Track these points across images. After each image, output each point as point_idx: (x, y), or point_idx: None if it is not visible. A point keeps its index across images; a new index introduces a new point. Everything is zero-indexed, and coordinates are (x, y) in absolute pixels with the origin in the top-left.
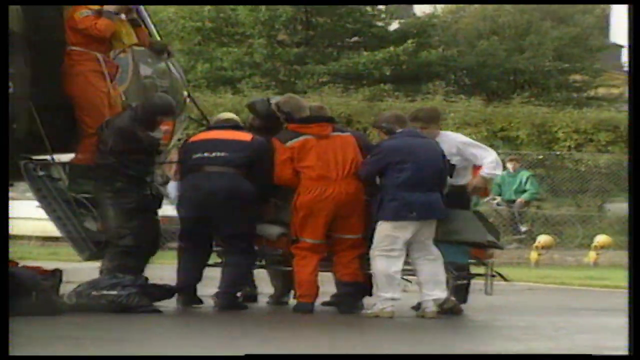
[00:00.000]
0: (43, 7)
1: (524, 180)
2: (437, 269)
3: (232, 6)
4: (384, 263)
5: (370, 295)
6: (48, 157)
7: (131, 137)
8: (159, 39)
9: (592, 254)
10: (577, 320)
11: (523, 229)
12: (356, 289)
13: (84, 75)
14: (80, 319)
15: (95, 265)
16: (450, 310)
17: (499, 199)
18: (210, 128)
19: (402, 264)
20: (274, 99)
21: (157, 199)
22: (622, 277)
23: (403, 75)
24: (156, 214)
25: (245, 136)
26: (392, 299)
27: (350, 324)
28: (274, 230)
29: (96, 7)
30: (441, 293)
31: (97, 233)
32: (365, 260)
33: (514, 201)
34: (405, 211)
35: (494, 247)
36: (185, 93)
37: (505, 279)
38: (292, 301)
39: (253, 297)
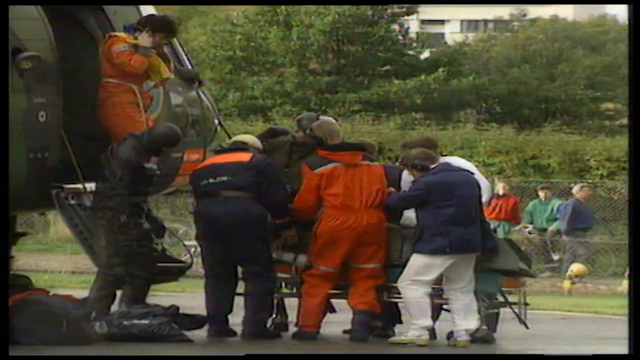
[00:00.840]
0: (75, 36)
1: (555, 208)
2: (470, 298)
3: (263, 35)
4: (417, 291)
5: (401, 322)
6: (80, 185)
7: (138, 169)
8: (190, 67)
9: (625, 283)
10: (611, 350)
11: (555, 257)
12: (371, 318)
13: (121, 106)
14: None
15: None
16: (482, 339)
17: (530, 227)
18: (217, 152)
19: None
20: (324, 118)
21: (160, 229)
22: None
23: (434, 103)
24: (156, 244)
25: (244, 157)
26: (426, 327)
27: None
28: (302, 259)
29: (132, 41)
30: (474, 323)
31: None
32: (384, 289)
33: (545, 229)
34: (447, 246)
35: (526, 275)
36: (217, 121)
37: (525, 325)
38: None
39: (284, 325)
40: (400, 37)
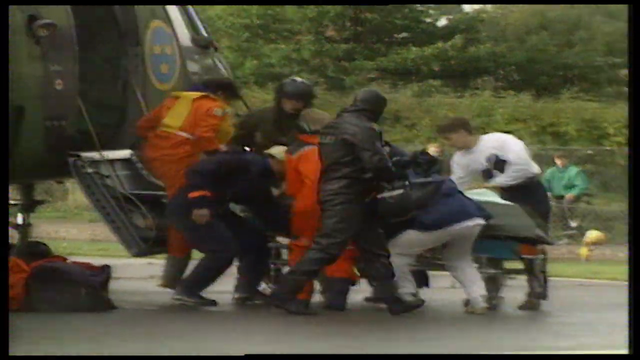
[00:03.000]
0: (92, 4)
1: (573, 175)
2: (471, 266)
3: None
4: (402, 260)
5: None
6: (96, 154)
7: None
8: (205, 34)
9: (583, 250)
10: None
11: (573, 224)
12: (347, 287)
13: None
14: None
15: (144, 261)
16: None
17: (548, 194)
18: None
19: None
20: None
21: None
22: None
23: (451, 70)
24: None
25: None
26: (411, 294)
27: (363, 322)
28: None
29: (225, 107)
30: (483, 289)
31: (145, 230)
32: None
33: (562, 197)
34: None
35: (543, 243)
36: None
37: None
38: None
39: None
40: (417, 5)
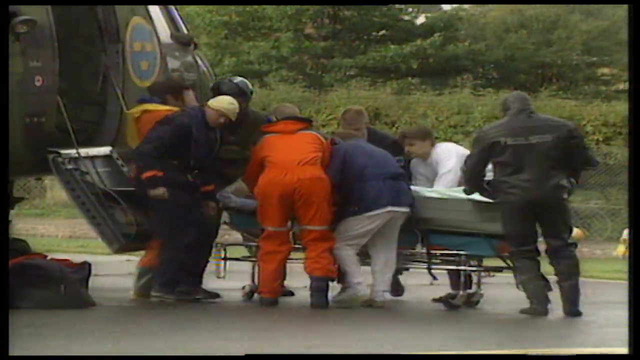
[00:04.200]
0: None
1: None
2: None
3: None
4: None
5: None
6: (74, 150)
7: None
8: (186, 32)
9: (620, 248)
10: (607, 314)
11: None
12: (326, 285)
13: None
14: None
15: (124, 258)
16: (476, 303)
17: None
18: None
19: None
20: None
21: None
22: None
23: (430, 68)
24: None
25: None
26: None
27: (365, 322)
28: None
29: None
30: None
31: (126, 225)
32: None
33: None
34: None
35: None
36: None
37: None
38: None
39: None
40: (395, 3)
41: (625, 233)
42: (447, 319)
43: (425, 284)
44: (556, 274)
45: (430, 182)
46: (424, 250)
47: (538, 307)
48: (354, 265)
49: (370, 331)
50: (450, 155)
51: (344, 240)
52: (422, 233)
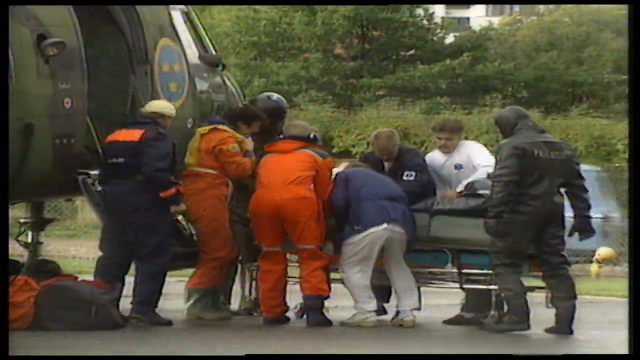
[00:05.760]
0: (100, 22)
1: None
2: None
3: (287, 20)
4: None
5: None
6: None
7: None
8: (214, 53)
9: (594, 267)
10: None
11: None
12: (319, 303)
13: (218, 200)
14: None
15: None
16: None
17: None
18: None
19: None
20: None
21: None
22: None
23: (459, 88)
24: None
25: (134, 135)
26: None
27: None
28: (329, 246)
29: (238, 136)
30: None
31: None
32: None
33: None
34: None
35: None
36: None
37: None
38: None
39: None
40: (424, 22)
41: (599, 252)
42: (476, 339)
43: (455, 304)
44: (552, 293)
45: (445, 184)
46: (454, 270)
47: (524, 323)
48: (361, 291)
49: (375, 332)
50: (483, 149)
51: (348, 264)
52: (452, 253)
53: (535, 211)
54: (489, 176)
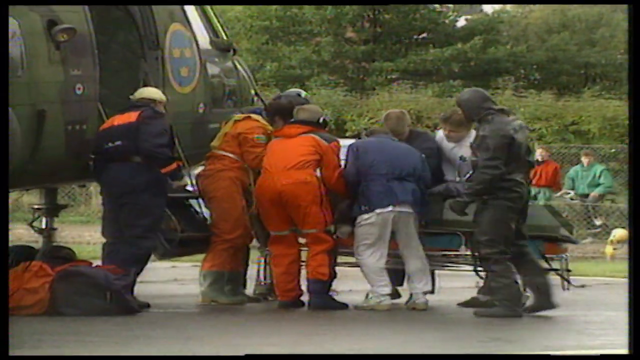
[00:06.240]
0: (110, 7)
1: (597, 173)
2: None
3: (298, 5)
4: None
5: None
6: None
7: None
8: (225, 37)
9: (609, 249)
10: None
11: (597, 223)
12: (320, 287)
13: (232, 182)
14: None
15: (169, 264)
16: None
17: (572, 193)
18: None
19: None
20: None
21: None
22: None
23: (472, 71)
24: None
25: (131, 117)
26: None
27: (384, 321)
28: (346, 229)
29: (268, 127)
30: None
31: (170, 232)
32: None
33: (587, 195)
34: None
35: (567, 242)
36: (253, 92)
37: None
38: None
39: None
40: (436, 5)
41: (614, 233)
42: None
43: (470, 287)
44: (526, 275)
45: (452, 167)
46: (468, 253)
47: (516, 310)
48: (374, 274)
49: (375, 331)
50: None
51: (362, 247)
52: (465, 235)
53: (520, 197)
54: (473, 165)
